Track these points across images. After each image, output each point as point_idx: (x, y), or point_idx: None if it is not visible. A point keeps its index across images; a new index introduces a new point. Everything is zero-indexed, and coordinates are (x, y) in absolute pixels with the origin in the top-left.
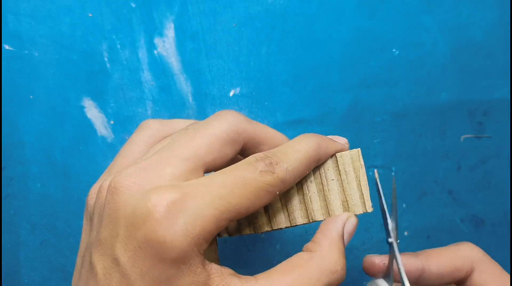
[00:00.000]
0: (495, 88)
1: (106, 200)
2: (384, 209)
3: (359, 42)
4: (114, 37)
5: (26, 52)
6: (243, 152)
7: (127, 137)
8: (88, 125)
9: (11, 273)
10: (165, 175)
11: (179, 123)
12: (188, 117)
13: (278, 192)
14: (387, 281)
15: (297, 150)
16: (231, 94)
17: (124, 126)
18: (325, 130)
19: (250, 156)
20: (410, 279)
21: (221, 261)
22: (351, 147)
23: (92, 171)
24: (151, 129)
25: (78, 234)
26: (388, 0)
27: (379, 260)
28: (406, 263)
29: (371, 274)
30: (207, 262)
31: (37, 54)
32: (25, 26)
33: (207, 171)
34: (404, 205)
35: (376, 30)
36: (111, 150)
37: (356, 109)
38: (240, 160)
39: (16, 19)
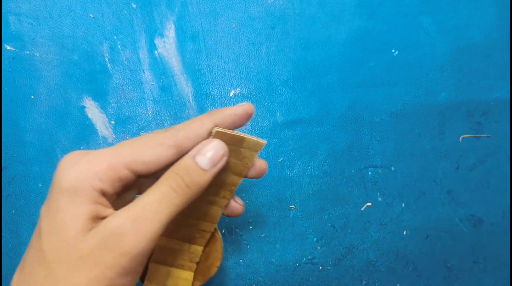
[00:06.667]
0: (494, 88)
1: None
2: None
3: (359, 43)
4: (115, 37)
5: (27, 52)
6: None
7: (127, 137)
8: (89, 125)
9: (12, 273)
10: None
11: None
12: (188, 117)
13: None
14: None
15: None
16: (231, 94)
17: (125, 126)
18: (324, 130)
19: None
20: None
21: (223, 261)
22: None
23: None
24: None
25: None
26: (388, 0)
27: None
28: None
29: None
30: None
31: (38, 55)
32: (26, 27)
33: (137, 165)
34: (403, 205)
35: (376, 30)
36: None
37: (356, 109)
38: None
39: (18, 20)
